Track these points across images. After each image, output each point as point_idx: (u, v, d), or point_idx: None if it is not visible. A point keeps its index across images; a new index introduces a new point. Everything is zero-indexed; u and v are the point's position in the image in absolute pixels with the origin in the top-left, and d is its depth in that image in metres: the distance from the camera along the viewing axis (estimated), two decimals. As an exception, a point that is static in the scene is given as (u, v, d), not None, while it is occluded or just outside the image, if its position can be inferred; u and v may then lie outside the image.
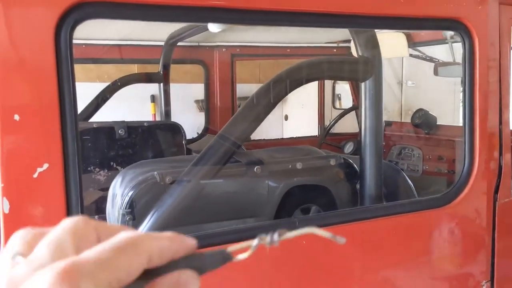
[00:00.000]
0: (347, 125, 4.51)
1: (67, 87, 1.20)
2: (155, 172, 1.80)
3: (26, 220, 1.20)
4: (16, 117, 1.15)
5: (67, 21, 1.19)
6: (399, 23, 1.75)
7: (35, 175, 1.18)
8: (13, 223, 1.18)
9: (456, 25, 1.81)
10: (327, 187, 2.15)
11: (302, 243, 1.57)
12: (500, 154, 1.97)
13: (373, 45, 1.76)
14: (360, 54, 1.75)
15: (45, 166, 1.19)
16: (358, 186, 1.95)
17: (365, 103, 1.78)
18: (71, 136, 1.21)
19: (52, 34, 1.17)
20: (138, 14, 1.32)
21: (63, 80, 1.19)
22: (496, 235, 1.99)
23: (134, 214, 1.78)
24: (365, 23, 1.67)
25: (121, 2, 1.26)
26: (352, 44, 3.64)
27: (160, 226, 1.64)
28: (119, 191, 1.89)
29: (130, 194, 1.79)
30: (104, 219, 2.08)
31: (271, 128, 5.80)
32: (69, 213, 1.23)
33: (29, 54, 1.17)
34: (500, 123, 1.96)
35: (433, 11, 1.76)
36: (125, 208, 1.78)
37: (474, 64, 1.85)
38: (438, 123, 3.97)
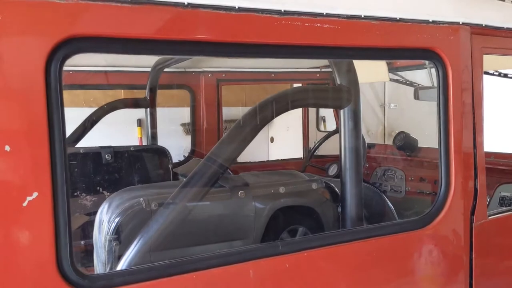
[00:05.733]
0: (332, 147, 4.58)
1: (57, 118, 1.25)
2: (141, 199, 1.83)
3: (16, 247, 1.23)
4: (7, 148, 1.20)
5: (56, 56, 1.24)
6: (375, 54, 1.83)
7: (25, 204, 1.22)
8: (3, 251, 1.22)
9: (430, 54, 1.90)
10: (312, 207, 2.19)
11: (285, 266, 1.62)
12: (475, 176, 2.05)
13: (351, 74, 1.83)
14: (338, 83, 1.83)
15: (35, 195, 1.23)
16: (339, 209, 2.00)
17: (344, 130, 1.84)
18: (60, 166, 1.25)
19: (42, 69, 1.22)
20: (125, 49, 1.38)
21: (53, 113, 1.24)
22: (473, 255, 2.05)
23: (120, 240, 1.81)
24: (343, 54, 1.75)
25: (109, 37, 1.32)
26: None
27: (147, 251, 1.67)
28: (105, 217, 1.92)
29: (116, 220, 1.83)
30: (91, 244, 2.10)
31: (257, 150, 5.87)
32: (57, 239, 1.27)
33: (20, 88, 1.21)
34: (475, 147, 2.04)
35: (407, 42, 1.84)
36: (112, 234, 1.81)
37: (448, 91, 1.93)
38: (419, 145, 4.07)
